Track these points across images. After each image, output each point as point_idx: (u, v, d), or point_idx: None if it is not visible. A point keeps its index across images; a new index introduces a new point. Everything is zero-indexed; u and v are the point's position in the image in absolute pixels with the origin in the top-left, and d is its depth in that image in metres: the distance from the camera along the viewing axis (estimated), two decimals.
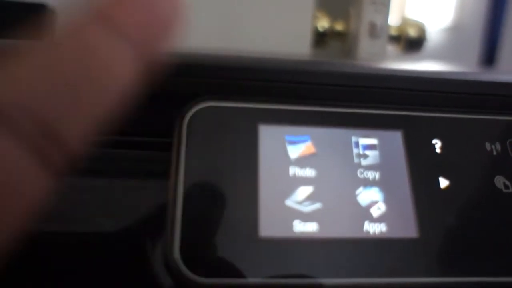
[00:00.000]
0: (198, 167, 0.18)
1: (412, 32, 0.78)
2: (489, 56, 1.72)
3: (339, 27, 0.78)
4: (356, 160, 0.19)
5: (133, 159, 0.21)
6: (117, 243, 0.19)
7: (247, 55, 0.21)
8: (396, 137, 0.20)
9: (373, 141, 0.20)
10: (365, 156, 0.19)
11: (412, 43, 0.78)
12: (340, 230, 0.18)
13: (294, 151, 0.19)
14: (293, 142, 0.19)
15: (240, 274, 0.17)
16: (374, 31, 0.72)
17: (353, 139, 0.20)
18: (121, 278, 0.18)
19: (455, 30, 2.01)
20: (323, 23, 0.78)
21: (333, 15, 0.79)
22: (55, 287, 0.20)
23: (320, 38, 0.78)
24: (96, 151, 0.21)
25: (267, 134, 0.19)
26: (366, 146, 0.20)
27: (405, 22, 0.78)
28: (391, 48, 0.78)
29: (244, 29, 0.80)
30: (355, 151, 0.19)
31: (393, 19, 0.76)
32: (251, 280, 0.17)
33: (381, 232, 0.18)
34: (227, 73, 0.20)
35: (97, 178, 0.21)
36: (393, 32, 0.77)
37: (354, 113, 0.20)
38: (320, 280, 0.17)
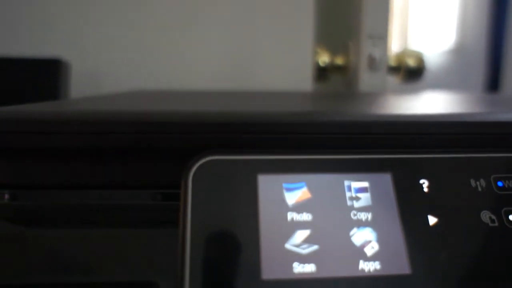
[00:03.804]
0: (203, 216, 0.20)
1: (411, 62, 0.80)
2: (494, 79, 1.73)
3: (339, 61, 0.81)
4: (349, 202, 0.21)
5: (145, 210, 0.23)
6: None
7: (245, 110, 0.23)
8: (386, 179, 0.21)
9: (365, 184, 0.21)
10: (358, 199, 0.21)
11: (412, 73, 0.80)
12: (337, 270, 0.19)
13: (291, 197, 0.21)
14: (290, 189, 0.21)
15: None
16: (373, 64, 0.74)
17: (346, 183, 0.21)
18: None
19: (458, 53, 2.03)
20: (324, 58, 0.81)
21: (333, 50, 0.82)
22: None
23: (322, 73, 0.80)
24: (112, 203, 0.23)
25: (266, 183, 0.21)
26: (358, 189, 0.21)
27: (404, 52, 0.81)
28: (391, 79, 0.81)
29: (248, 68, 0.84)
30: (348, 194, 0.21)
31: (395, 47, 0.78)
32: None
33: (376, 270, 0.19)
34: (226, 128, 0.22)
35: (112, 228, 0.23)
36: (393, 63, 0.80)
37: (345, 159, 0.22)
38: None
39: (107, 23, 0.77)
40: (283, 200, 0.21)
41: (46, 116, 0.23)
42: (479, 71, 1.86)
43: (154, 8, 0.79)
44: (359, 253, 0.20)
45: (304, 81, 0.82)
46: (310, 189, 0.21)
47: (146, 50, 0.80)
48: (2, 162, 0.23)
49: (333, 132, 0.22)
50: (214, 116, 0.22)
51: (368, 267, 0.20)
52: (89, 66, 0.74)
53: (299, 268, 0.19)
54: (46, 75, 0.55)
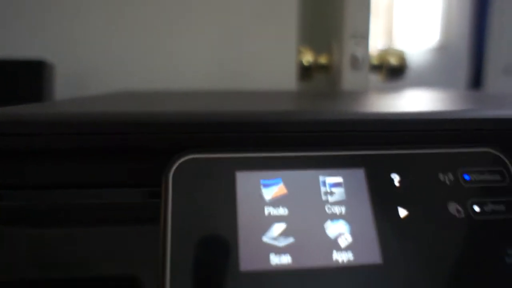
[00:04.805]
0: (183, 212, 0.21)
1: (393, 61, 0.81)
2: (476, 77, 1.77)
3: (323, 60, 0.82)
4: (323, 197, 0.22)
5: (129, 208, 0.24)
6: (116, 284, 0.21)
7: (223, 110, 0.24)
8: (358, 174, 0.23)
9: (339, 179, 0.22)
10: (332, 193, 0.22)
11: (394, 71, 0.81)
12: (312, 261, 0.20)
13: (268, 193, 0.22)
14: (267, 185, 0.22)
15: None
16: (355, 63, 0.75)
17: (321, 178, 0.22)
18: None
19: (442, 52, 2.07)
20: (308, 58, 0.82)
21: (317, 49, 0.83)
22: None
23: (306, 72, 0.82)
24: (93, 203, 0.24)
25: (244, 179, 0.22)
26: (332, 184, 0.22)
27: (386, 51, 0.82)
28: (374, 77, 0.82)
29: (234, 68, 0.84)
30: (322, 189, 0.22)
31: (379, 45, 0.80)
32: None
33: (349, 260, 0.21)
34: (205, 128, 0.22)
35: (96, 226, 0.23)
36: (375, 62, 0.81)
37: (320, 155, 0.23)
38: None
39: (93, 24, 0.77)
40: (260, 196, 0.21)
41: (31, 118, 0.23)
42: (462, 69, 1.90)
43: (140, 9, 0.79)
44: (333, 244, 0.21)
45: (288, 80, 0.83)
46: (286, 185, 0.22)
47: (132, 52, 0.80)
48: None
49: (308, 130, 0.23)
50: (194, 116, 0.23)
51: (342, 257, 0.21)
52: (74, 68, 0.75)
53: (275, 260, 0.20)
54: (29, 76, 0.55)
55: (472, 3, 1.89)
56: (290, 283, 0.20)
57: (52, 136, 0.23)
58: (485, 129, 0.25)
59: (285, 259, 0.20)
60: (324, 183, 0.22)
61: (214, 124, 0.22)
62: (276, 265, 0.20)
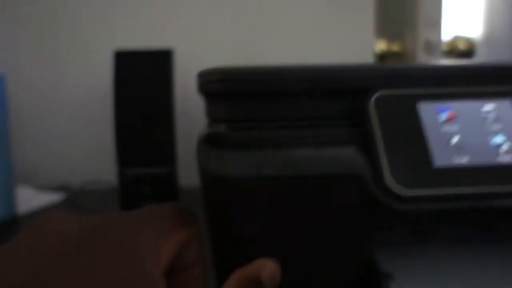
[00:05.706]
0: (390, 129, 0.29)
1: (462, 46, 0.88)
2: None
3: (395, 48, 0.90)
4: (485, 118, 0.30)
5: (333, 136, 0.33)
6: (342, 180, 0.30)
7: (401, 66, 0.32)
8: (507, 102, 0.31)
9: (493, 106, 0.30)
10: (490, 117, 0.30)
11: (463, 56, 0.88)
12: (481, 161, 0.28)
13: (442, 116, 0.30)
14: (442, 111, 0.30)
15: (426, 186, 0.27)
16: (430, 48, 0.83)
17: (479, 105, 0.30)
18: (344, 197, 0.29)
19: (486, 43, 2.09)
20: (381, 46, 0.90)
21: (389, 38, 0.91)
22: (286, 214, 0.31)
23: (381, 59, 0.89)
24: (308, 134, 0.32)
25: (425, 108, 0.30)
26: (489, 111, 0.30)
27: (455, 38, 0.89)
28: (444, 62, 0.89)
29: (314, 59, 0.93)
30: (483, 113, 0.30)
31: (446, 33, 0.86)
32: (431, 191, 0.27)
33: (508, 161, 0.29)
34: (396, 73, 0.31)
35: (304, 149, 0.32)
36: (445, 48, 0.88)
37: (478, 90, 0.31)
38: (470, 188, 0.28)
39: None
40: (437, 118, 0.30)
41: (252, 70, 0.32)
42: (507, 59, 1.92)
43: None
44: (497, 149, 0.29)
45: None
46: (455, 110, 0.30)
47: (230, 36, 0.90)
48: (220, 103, 0.33)
49: (466, 74, 0.32)
50: (384, 67, 0.31)
51: (504, 158, 0.29)
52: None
53: (455, 160, 0.28)
54: (161, 62, 0.65)
55: None
56: (466, 174, 0.28)
57: (275, 81, 0.32)
58: None
59: (463, 159, 0.28)
60: (483, 108, 0.30)
61: (401, 70, 0.31)
62: (457, 163, 0.28)
